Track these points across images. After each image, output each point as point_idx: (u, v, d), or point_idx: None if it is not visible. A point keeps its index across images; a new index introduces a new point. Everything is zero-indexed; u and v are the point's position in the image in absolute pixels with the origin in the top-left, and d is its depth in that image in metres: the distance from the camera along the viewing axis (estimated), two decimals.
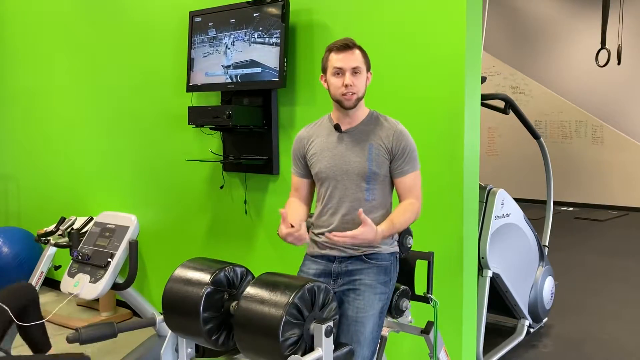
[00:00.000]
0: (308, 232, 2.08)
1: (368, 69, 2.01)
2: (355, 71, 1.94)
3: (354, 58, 1.95)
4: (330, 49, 1.98)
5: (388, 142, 1.97)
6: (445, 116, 2.57)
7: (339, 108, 2.00)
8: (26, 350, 2.90)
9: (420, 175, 2.03)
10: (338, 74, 1.94)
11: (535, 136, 4.11)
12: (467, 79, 2.51)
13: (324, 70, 2.01)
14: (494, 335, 3.53)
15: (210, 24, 3.28)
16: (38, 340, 2.79)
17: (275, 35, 2.98)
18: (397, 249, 2.04)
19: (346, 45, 1.95)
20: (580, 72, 8.82)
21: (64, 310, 3.96)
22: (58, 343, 3.10)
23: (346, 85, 1.92)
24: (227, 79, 3.21)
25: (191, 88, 3.40)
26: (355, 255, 1.96)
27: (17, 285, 2.81)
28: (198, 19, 3.34)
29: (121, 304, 4.15)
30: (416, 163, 2.01)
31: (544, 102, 9.14)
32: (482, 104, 3.19)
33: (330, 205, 2.00)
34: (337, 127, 2.01)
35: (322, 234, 2.00)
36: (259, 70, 3.07)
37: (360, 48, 1.99)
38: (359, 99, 1.98)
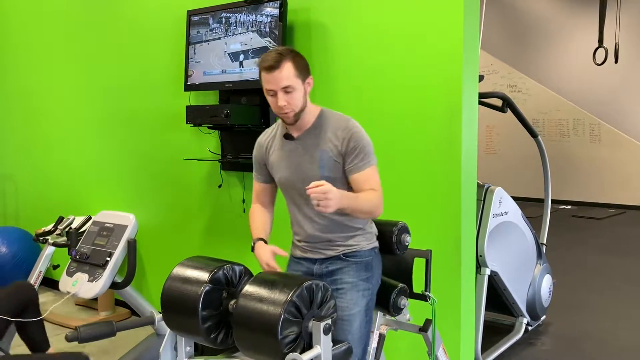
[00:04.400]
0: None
1: (305, 78, 1.89)
2: (287, 90, 1.84)
3: (282, 77, 1.82)
4: (259, 66, 1.88)
5: (338, 143, 1.90)
6: (443, 114, 2.57)
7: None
8: (25, 350, 2.90)
9: (377, 170, 1.94)
10: (271, 95, 1.87)
11: (533, 134, 4.11)
12: (465, 77, 2.51)
13: (262, 84, 1.91)
14: (492, 333, 3.54)
15: (207, 23, 3.28)
16: (37, 339, 2.78)
17: (273, 35, 2.98)
18: (376, 244, 2.04)
19: (271, 67, 1.82)
20: (578, 70, 8.83)
21: (62, 310, 3.96)
22: (57, 342, 3.10)
23: (279, 106, 1.85)
24: (224, 78, 3.21)
25: (189, 87, 3.40)
26: (334, 256, 1.97)
27: (16, 284, 2.81)
28: (196, 18, 3.34)
29: (120, 303, 4.15)
30: (370, 158, 1.91)
31: (542, 100, 9.15)
32: (480, 103, 3.20)
33: (299, 214, 2.00)
34: (287, 136, 1.98)
35: (298, 239, 2.02)
36: (256, 69, 3.06)
37: (292, 59, 1.85)
38: (298, 114, 1.89)
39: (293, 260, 2.07)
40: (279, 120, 2.02)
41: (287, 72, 1.83)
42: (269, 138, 2.05)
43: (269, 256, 1.89)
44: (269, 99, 1.89)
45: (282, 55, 1.84)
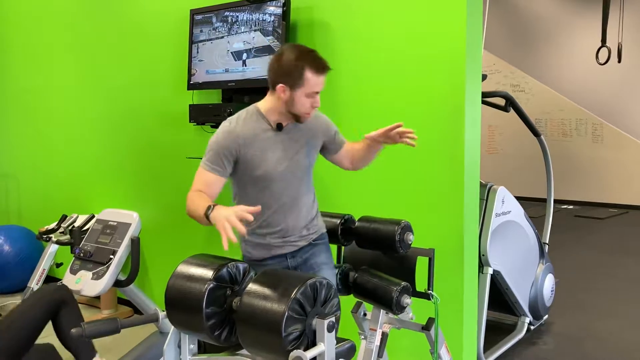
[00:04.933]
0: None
1: None
2: (319, 92, 1.94)
3: (325, 80, 1.93)
4: (306, 67, 1.85)
5: (318, 133, 2.08)
6: (446, 114, 2.57)
7: (287, 114, 1.96)
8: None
9: None
10: (311, 97, 1.89)
11: (536, 134, 4.11)
12: (468, 76, 2.52)
13: (294, 85, 1.87)
14: (495, 333, 3.54)
15: (211, 22, 3.29)
16: (78, 350, 2.69)
17: (276, 34, 2.99)
18: None
19: (327, 68, 1.89)
20: (581, 70, 8.82)
21: None
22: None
23: (315, 107, 1.92)
24: (227, 77, 3.22)
25: (192, 86, 3.41)
26: (305, 245, 2.08)
27: (47, 287, 2.72)
28: (199, 17, 3.34)
29: (122, 302, 4.16)
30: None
31: (544, 100, 9.15)
32: (483, 102, 3.19)
33: (278, 205, 2.01)
34: (279, 127, 1.98)
35: (269, 234, 2.03)
36: (259, 68, 3.07)
37: None
38: None
39: (256, 265, 2.01)
40: (250, 110, 2.01)
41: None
42: (243, 128, 1.96)
43: (236, 208, 1.71)
44: (304, 99, 1.89)
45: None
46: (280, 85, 1.90)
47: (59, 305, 2.67)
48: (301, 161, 2.03)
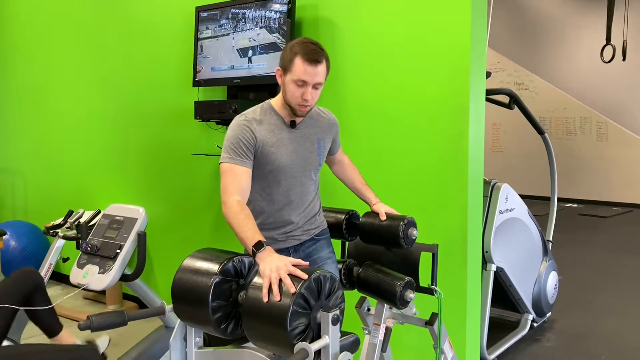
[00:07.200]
0: None
1: (326, 78, 1.97)
2: (316, 86, 1.91)
3: (320, 73, 1.89)
4: (297, 53, 1.87)
5: (330, 134, 2.13)
6: (451, 111, 2.59)
7: (288, 109, 1.98)
8: (36, 340, 2.94)
9: None
10: (299, 85, 1.88)
11: (540, 132, 4.12)
12: (472, 74, 2.53)
13: (285, 69, 1.91)
14: (498, 329, 3.56)
15: (216, 19, 3.31)
16: (48, 323, 2.82)
17: (281, 31, 3.01)
18: None
19: (316, 60, 1.86)
20: (585, 68, 8.80)
21: (70, 303, 4.00)
22: None
23: (305, 99, 1.90)
24: (233, 73, 3.24)
25: (197, 83, 3.42)
26: (307, 239, 2.12)
27: (20, 271, 2.80)
28: (204, 14, 3.36)
29: (127, 297, 4.19)
30: None
31: (549, 98, 9.13)
32: (487, 99, 3.20)
33: (286, 201, 2.04)
34: (293, 124, 2.01)
35: (274, 228, 2.05)
36: (264, 65, 3.09)
37: (326, 58, 1.91)
38: (310, 110, 2.00)
39: None
40: (264, 106, 2.03)
41: (323, 69, 1.91)
42: (258, 121, 1.98)
43: (288, 261, 1.64)
44: (293, 87, 1.90)
45: (323, 51, 1.91)
46: (278, 68, 1.96)
47: (33, 291, 2.73)
48: (312, 160, 2.07)
